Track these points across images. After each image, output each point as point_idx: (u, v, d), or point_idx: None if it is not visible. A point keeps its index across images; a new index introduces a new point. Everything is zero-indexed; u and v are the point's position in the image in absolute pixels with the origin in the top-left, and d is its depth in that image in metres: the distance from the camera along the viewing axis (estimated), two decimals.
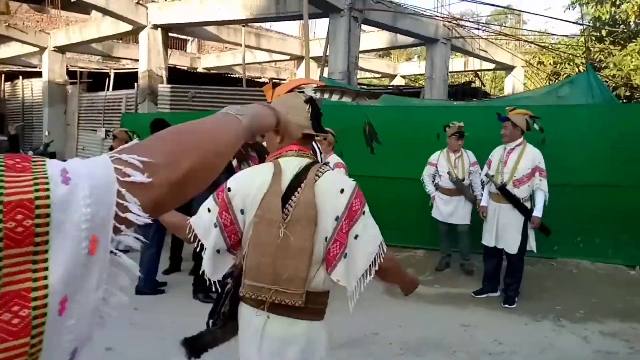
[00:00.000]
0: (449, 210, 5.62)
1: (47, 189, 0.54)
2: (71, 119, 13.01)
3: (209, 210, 1.79)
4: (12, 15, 15.09)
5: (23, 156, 0.58)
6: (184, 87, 9.87)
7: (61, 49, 13.09)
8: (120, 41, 15.47)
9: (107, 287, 0.62)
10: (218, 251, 1.77)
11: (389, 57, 25.23)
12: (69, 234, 0.55)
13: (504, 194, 4.68)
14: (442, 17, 11.43)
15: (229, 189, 1.77)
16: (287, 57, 15.86)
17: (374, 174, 6.33)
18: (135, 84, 10.39)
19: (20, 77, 14.97)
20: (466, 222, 5.58)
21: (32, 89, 14.34)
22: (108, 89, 11.72)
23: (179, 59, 17.88)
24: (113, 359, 3.55)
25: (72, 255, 0.55)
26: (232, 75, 13.57)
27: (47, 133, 12.65)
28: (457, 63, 17.36)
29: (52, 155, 11.28)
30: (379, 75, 21.21)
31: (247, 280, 1.72)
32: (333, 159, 5.45)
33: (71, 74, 13.22)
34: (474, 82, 16.03)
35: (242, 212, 1.74)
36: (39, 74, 13.68)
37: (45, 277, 0.53)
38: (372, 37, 13.53)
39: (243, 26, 10.23)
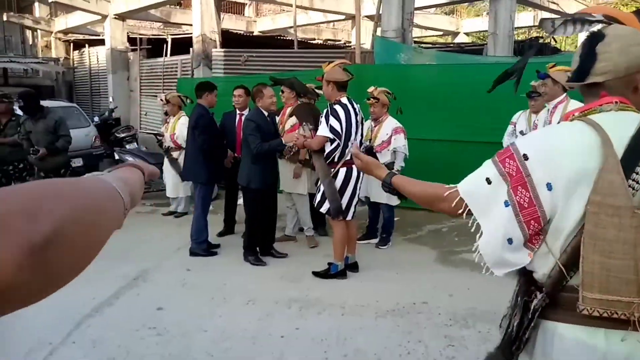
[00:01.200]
0: None
1: None
2: (134, 85, 13.41)
3: (489, 182, 1.35)
4: None
5: None
6: (237, 51, 9.85)
7: (121, 16, 13.40)
8: (178, 7, 15.63)
9: None
10: (510, 240, 1.31)
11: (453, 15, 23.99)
12: None
13: None
14: None
15: (526, 157, 1.31)
16: (343, 17, 15.43)
17: (431, 137, 6.09)
18: (191, 49, 10.49)
19: (87, 45, 15.54)
20: None
21: (97, 57, 14.86)
22: (166, 55, 11.92)
23: (235, 23, 17.88)
24: (163, 318, 3.66)
25: None
26: (285, 38, 13.38)
27: (111, 99, 13.13)
28: (525, 18, 16.25)
29: (117, 121, 11.72)
30: (440, 33, 20.26)
31: (590, 292, 1.24)
32: (390, 122, 5.21)
33: (132, 41, 13.55)
34: (543, 38, 14.92)
35: (548, 187, 1.27)
36: (103, 42, 14.12)
37: None
38: None
39: None
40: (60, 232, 0.45)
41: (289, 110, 5.35)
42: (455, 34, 18.90)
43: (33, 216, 0.44)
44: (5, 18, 16.26)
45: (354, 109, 4.23)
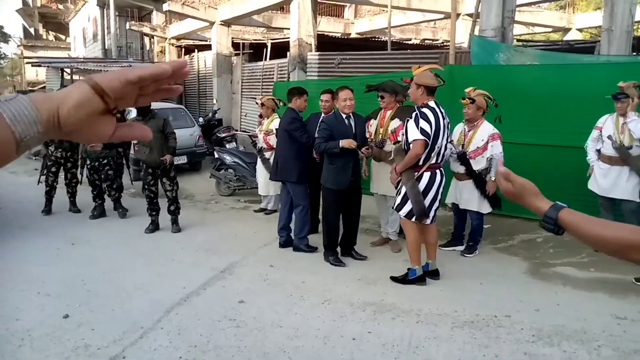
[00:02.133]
0: (609, 182, 4.84)
1: None
2: (236, 88, 14.13)
3: None
4: None
5: None
6: (331, 54, 9.99)
7: (227, 23, 14.17)
8: (279, 12, 16.18)
9: None
10: None
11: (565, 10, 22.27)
12: None
13: None
14: None
15: None
16: (442, 16, 15.01)
17: (526, 142, 5.75)
18: (288, 53, 10.82)
19: (196, 50, 16.66)
20: (632, 198, 4.74)
21: (205, 61, 15.87)
22: (266, 59, 12.42)
23: (333, 26, 18.15)
24: (243, 311, 3.85)
25: None
26: (379, 39, 13.30)
27: (215, 101, 13.95)
28: None
29: (220, 122, 12.45)
30: (549, 30, 18.93)
31: None
32: (486, 127, 4.96)
33: (236, 45, 14.29)
34: None
35: None
36: (210, 47, 15.03)
37: None
38: None
39: None
40: None
41: (389, 113, 5.24)
42: (566, 30, 17.52)
43: None
44: (128, 26, 17.98)
45: (441, 113, 4.16)
